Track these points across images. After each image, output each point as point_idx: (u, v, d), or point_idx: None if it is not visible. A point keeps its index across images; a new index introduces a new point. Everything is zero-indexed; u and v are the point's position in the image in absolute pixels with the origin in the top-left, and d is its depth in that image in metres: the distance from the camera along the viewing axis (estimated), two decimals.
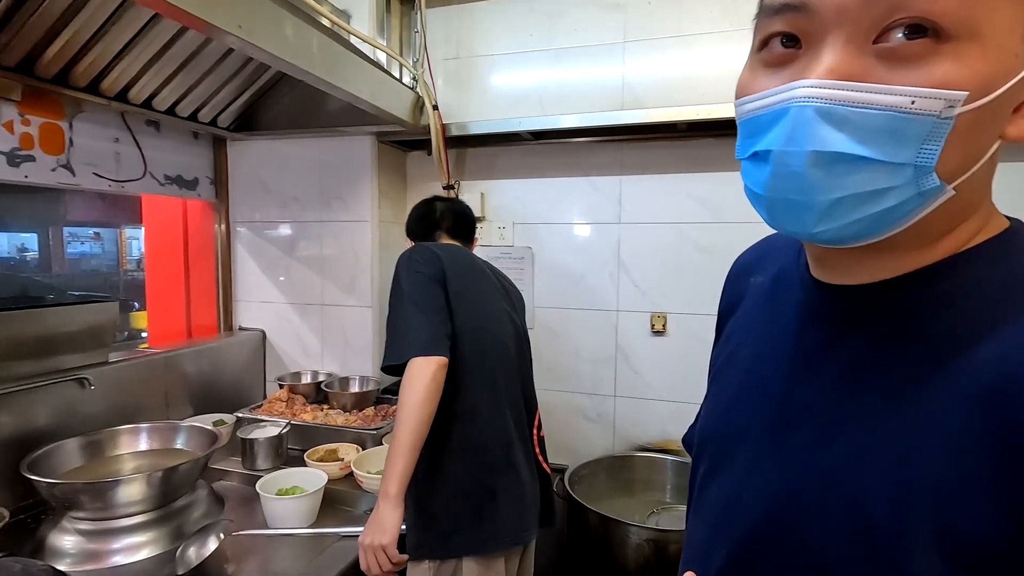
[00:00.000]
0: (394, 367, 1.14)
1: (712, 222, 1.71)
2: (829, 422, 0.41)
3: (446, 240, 1.41)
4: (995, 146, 0.36)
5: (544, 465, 1.35)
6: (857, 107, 0.34)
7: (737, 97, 0.42)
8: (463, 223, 1.44)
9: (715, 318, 0.64)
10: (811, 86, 0.35)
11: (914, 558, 0.35)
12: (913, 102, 0.33)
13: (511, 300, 1.38)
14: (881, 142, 0.34)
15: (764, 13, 0.39)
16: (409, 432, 1.08)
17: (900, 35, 0.33)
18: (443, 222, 1.41)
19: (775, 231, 0.44)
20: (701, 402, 0.63)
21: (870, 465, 0.38)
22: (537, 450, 1.33)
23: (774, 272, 0.53)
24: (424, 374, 1.09)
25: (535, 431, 1.34)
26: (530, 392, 1.37)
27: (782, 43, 0.38)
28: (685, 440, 0.68)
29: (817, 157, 0.35)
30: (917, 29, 0.33)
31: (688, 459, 0.60)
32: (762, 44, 0.40)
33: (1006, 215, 0.42)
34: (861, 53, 0.34)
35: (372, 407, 1.74)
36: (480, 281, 1.30)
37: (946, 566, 0.34)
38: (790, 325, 0.48)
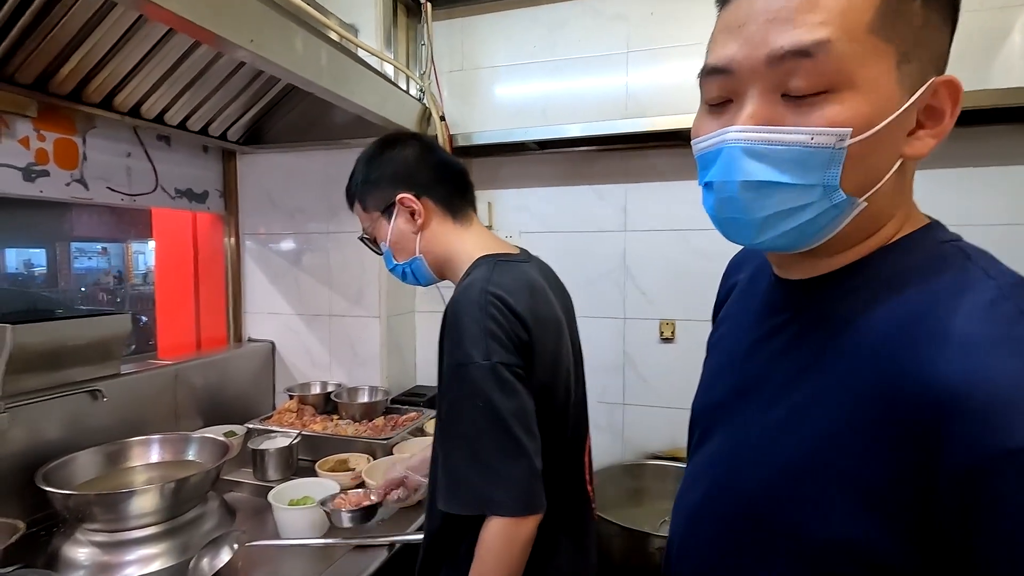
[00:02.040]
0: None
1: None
2: (772, 392, 0.49)
3: (476, 224, 1.07)
4: (898, 163, 0.44)
5: (589, 490, 1.14)
6: (771, 145, 0.43)
7: (691, 138, 0.51)
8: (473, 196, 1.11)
9: None
10: (737, 131, 0.44)
11: (835, 505, 0.41)
12: (812, 138, 0.42)
13: (571, 329, 1.08)
14: (793, 170, 0.43)
15: (703, 74, 0.48)
16: None
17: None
18: (468, 193, 1.09)
19: None
20: None
21: (798, 425, 0.45)
22: (588, 476, 1.13)
23: (752, 270, 0.63)
24: (517, 541, 0.83)
25: (586, 456, 1.14)
26: (583, 429, 1.13)
27: (718, 95, 0.47)
28: None
29: (746, 185, 0.44)
30: None
31: None
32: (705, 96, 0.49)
33: (927, 215, 0.49)
34: (773, 102, 0.43)
35: (382, 417, 1.74)
36: (557, 342, 0.98)
37: (867, 514, 0.40)
38: (755, 312, 0.57)
